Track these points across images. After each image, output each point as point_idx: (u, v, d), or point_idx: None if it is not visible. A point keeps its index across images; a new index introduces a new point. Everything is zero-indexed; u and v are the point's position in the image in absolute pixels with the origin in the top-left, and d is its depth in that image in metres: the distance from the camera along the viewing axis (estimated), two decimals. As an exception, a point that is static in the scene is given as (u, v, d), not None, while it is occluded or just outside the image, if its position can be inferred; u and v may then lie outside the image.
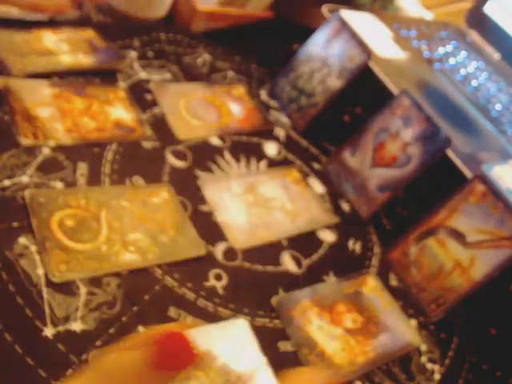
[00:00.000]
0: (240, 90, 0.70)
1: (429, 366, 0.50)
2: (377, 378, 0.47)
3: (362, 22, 0.71)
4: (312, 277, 0.52)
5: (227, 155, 0.60)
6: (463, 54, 0.83)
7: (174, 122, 0.61)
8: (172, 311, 0.44)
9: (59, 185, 0.48)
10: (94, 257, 0.44)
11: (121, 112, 0.58)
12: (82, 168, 0.51)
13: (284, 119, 0.70)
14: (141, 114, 0.59)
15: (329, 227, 0.58)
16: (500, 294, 0.58)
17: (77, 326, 0.39)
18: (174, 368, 0.24)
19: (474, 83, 0.77)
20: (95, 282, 0.42)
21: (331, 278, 0.53)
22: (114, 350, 0.24)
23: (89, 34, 0.66)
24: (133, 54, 0.67)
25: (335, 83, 0.65)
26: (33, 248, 0.42)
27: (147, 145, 0.57)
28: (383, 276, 0.56)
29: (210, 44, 0.76)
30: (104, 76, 0.61)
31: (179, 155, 0.57)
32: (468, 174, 0.56)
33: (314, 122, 0.68)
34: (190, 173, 0.56)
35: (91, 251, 0.44)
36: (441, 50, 0.81)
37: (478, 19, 0.88)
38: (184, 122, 0.62)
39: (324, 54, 0.67)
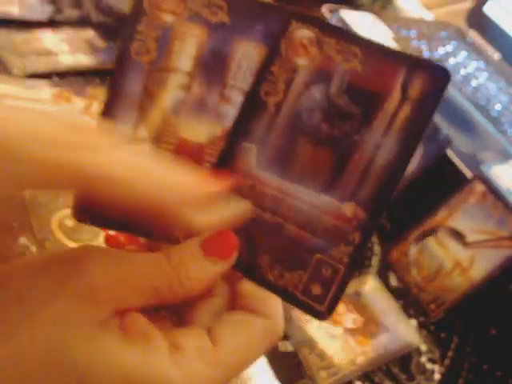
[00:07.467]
0: (240, 90, 0.70)
1: (429, 366, 0.50)
2: (377, 378, 0.47)
3: (362, 22, 0.71)
4: (312, 277, 0.52)
5: (227, 155, 0.60)
6: (463, 53, 0.83)
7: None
8: (172, 311, 0.43)
9: (59, 185, 0.48)
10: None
11: (121, 112, 0.58)
12: (82, 168, 0.50)
13: (284, 119, 0.69)
14: (141, 114, 0.59)
15: (329, 227, 0.58)
16: (500, 293, 0.58)
17: (77, 326, 0.39)
18: None
19: (474, 83, 0.77)
20: (95, 281, 0.42)
21: (331, 278, 0.53)
22: None
23: (89, 34, 0.66)
24: (133, 54, 0.67)
25: (335, 83, 0.65)
26: (33, 248, 0.42)
27: (147, 145, 0.56)
28: (383, 276, 0.56)
29: (210, 44, 0.76)
30: (104, 76, 0.61)
31: (179, 155, 0.57)
32: (468, 174, 0.56)
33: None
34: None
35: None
36: (441, 50, 0.81)
37: (478, 19, 0.88)
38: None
39: (324, 54, 0.67)
